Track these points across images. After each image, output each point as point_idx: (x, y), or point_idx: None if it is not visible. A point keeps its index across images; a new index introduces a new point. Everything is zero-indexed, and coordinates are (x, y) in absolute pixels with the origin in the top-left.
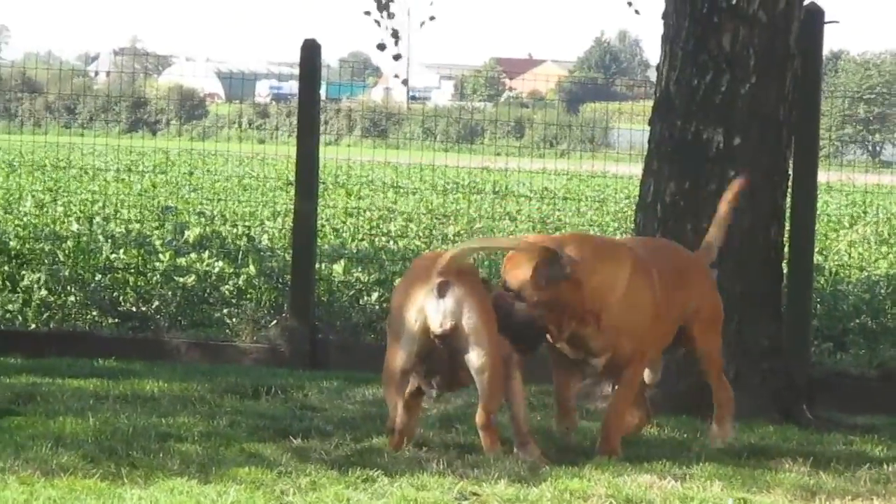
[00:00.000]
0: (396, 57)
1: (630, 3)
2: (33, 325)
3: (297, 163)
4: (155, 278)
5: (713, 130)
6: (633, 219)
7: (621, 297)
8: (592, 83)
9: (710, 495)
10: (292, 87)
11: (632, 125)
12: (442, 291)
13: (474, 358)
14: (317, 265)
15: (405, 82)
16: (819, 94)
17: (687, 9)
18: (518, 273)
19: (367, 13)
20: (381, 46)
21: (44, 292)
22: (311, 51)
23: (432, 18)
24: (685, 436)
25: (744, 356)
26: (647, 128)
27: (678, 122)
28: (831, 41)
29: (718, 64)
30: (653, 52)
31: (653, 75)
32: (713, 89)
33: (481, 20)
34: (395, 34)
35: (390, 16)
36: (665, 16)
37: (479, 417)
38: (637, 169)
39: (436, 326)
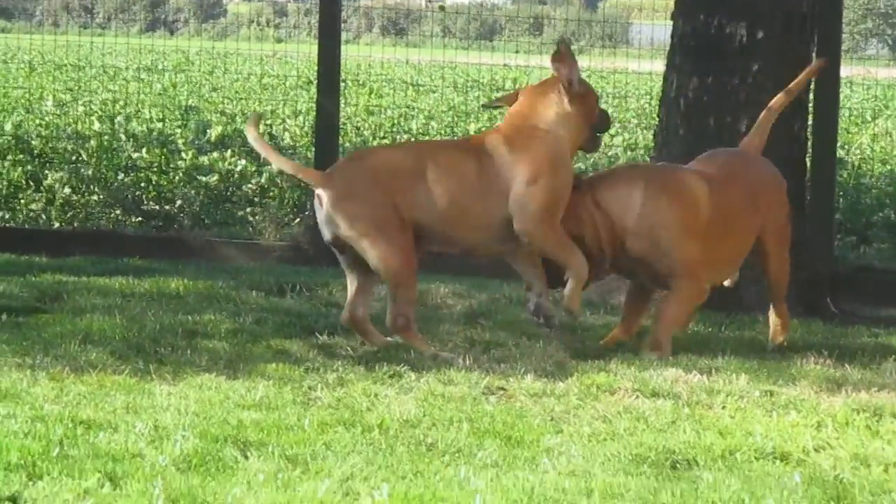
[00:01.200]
0: None
1: None
2: (57, 225)
3: (318, 60)
4: (178, 177)
5: (736, 24)
6: (654, 114)
7: (637, 219)
8: None
9: (735, 388)
10: None
11: (653, 21)
12: (319, 203)
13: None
14: None
15: (442, 7)
16: None
17: None
18: None
19: None
20: None
21: (67, 191)
22: None
23: None
24: (710, 330)
25: None
26: (668, 23)
27: (701, 16)
28: None
29: None
30: None
31: None
32: None
33: None
34: None
35: None
36: None
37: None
38: (657, 65)
39: (325, 239)
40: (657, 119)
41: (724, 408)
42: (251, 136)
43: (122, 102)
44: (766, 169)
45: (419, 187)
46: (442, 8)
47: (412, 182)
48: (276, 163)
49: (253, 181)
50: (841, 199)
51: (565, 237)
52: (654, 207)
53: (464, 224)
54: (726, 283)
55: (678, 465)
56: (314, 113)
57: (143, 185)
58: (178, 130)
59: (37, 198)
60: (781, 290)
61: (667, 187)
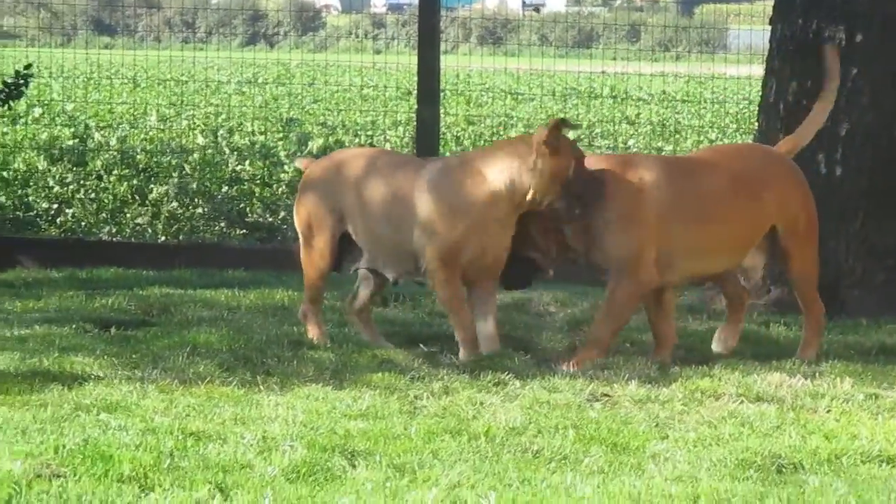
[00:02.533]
0: None
1: None
2: (163, 238)
3: (418, 71)
4: (280, 189)
5: (835, 28)
6: (753, 119)
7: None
8: None
9: (840, 392)
10: None
11: (751, 26)
12: None
13: None
14: None
15: (537, 9)
16: None
17: None
18: None
19: None
20: None
21: (172, 205)
22: None
23: None
24: None
25: (868, 254)
26: (764, 28)
27: (799, 20)
28: None
29: None
30: None
31: None
32: None
33: None
34: None
35: None
36: None
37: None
38: (754, 70)
39: None
40: (756, 124)
41: (828, 411)
42: None
43: (224, 116)
44: (783, 167)
45: (352, 194)
46: (537, 10)
47: (349, 188)
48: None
49: None
50: None
51: (456, 297)
52: None
53: (378, 244)
54: (743, 282)
55: (784, 470)
56: (414, 123)
57: (246, 197)
58: (280, 143)
59: (142, 212)
60: (807, 292)
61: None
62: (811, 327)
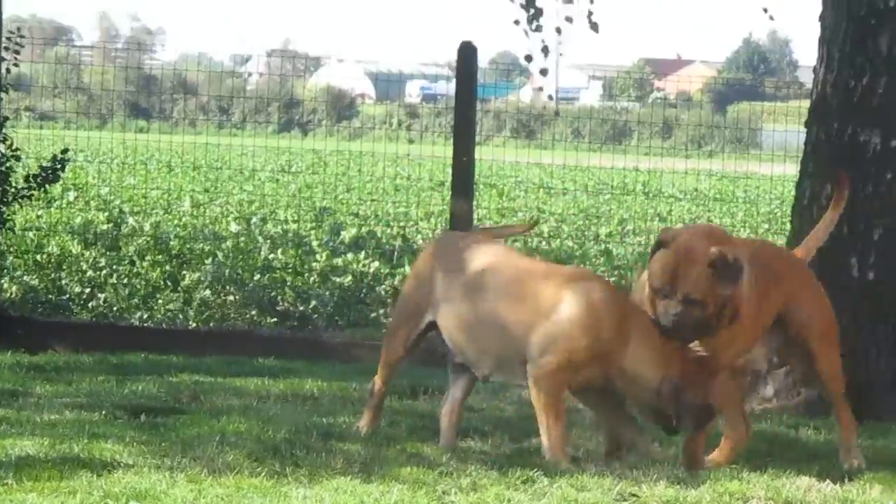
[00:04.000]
0: (543, 72)
1: (766, 10)
2: (194, 324)
3: (453, 163)
4: (312, 278)
5: (870, 132)
6: (784, 219)
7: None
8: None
9: (869, 498)
10: (443, 87)
11: (786, 126)
12: None
13: None
14: None
15: (550, 98)
16: None
17: (844, 10)
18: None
19: (517, 22)
20: (529, 58)
21: (205, 292)
22: (467, 53)
23: (569, 20)
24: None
25: None
26: (799, 129)
27: (835, 124)
28: None
29: (876, 66)
30: (803, 52)
31: (802, 75)
32: (870, 91)
33: (631, 20)
34: (545, 49)
35: (538, 28)
36: (822, 17)
37: None
38: (787, 169)
39: None
40: (789, 225)
41: None
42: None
43: (257, 203)
44: (792, 266)
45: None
46: (551, 97)
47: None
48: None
49: (386, 282)
50: None
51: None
52: None
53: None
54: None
55: None
56: (447, 215)
57: (278, 285)
58: (313, 232)
59: (174, 297)
60: (836, 392)
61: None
62: (847, 424)
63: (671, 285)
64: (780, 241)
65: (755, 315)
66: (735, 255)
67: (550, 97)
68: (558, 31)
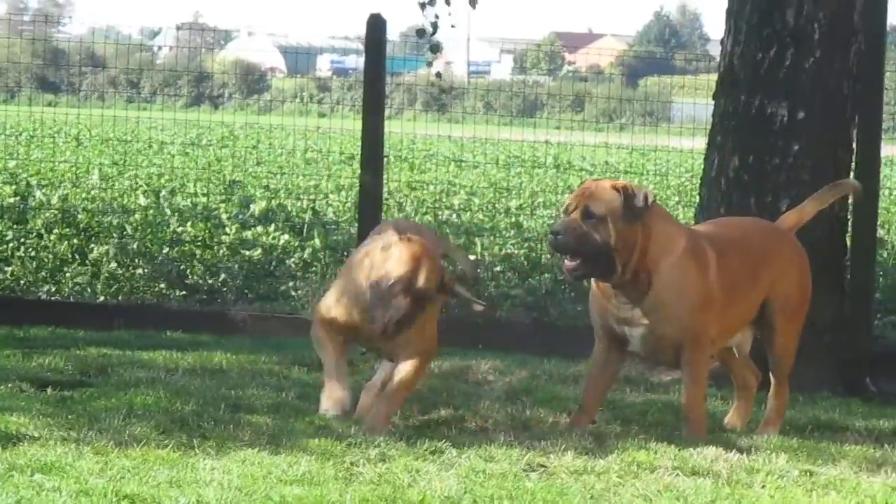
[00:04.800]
0: (434, 48)
1: None
2: (102, 298)
3: (362, 137)
4: (221, 251)
5: (777, 104)
6: (694, 193)
7: (671, 267)
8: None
9: (775, 467)
10: (353, 61)
11: (695, 99)
12: None
13: None
14: None
15: (438, 75)
16: (883, 69)
17: None
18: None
19: None
20: (421, 33)
21: (112, 265)
22: (376, 25)
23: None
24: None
25: (807, 329)
26: (708, 101)
27: (742, 96)
28: (895, 15)
29: (783, 38)
30: (713, 26)
31: (712, 49)
32: (777, 64)
33: None
34: (434, 26)
35: (431, 2)
36: None
37: None
38: (697, 143)
39: None
40: (698, 197)
41: (763, 487)
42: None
43: (167, 176)
44: (785, 244)
45: None
46: (438, 75)
47: None
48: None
49: (296, 255)
50: (881, 279)
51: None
52: None
53: None
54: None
55: None
56: (357, 188)
57: (187, 258)
58: (223, 205)
59: (82, 271)
60: (784, 370)
61: None
62: (780, 404)
63: (577, 202)
64: (689, 213)
65: (748, 293)
66: (647, 195)
67: (439, 74)
68: (447, 2)
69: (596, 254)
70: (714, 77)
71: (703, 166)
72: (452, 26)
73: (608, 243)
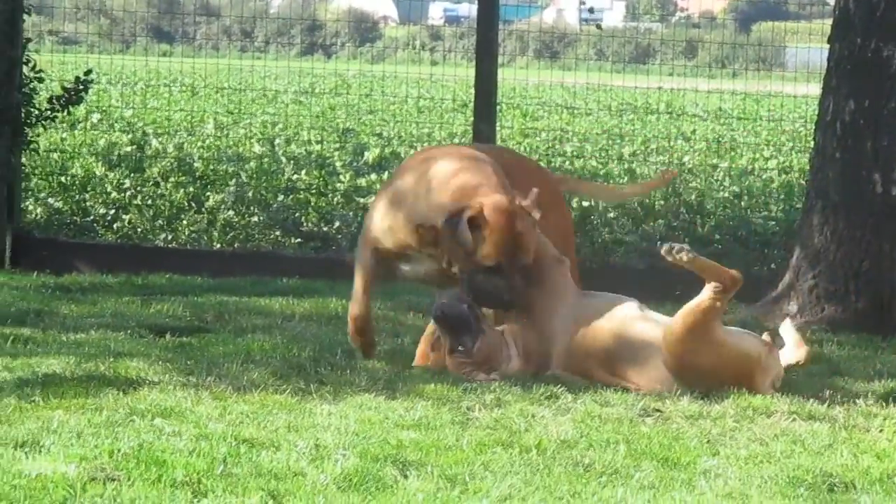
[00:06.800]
0: None
1: None
2: (218, 245)
3: (475, 85)
4: (336, 199)
5: (893, 47)
6: (809, 138)
7: None
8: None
9: (893, 411)
10: (466, 9)
11: (809, 44)
12: None
13: None
14: None
15: (591, 10)
16: None
17: None
18: None
19: None
20: None
21: (228, 213)
22: None
23: None
24: (866, 353)
25: None
26: (822, 47)
27: (857, 39)
28: None
29: None
30: None
31: None
32: (893, 6)
33: None
34: None
35: None
36: None
37: None
38: (811, 89)
39: None
40: (812, 143)
41: (881, 431)
42: None
43: (281, 125)
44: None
45: None
46: (599, 27)
47: None
48: None
49: None
50: None
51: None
52: None
53: None
54: None
55: (835, 489)
56: (470, 136)
57: (302, 206)
58: (336, 153)
59: (198, 219)
60: None
61: None
62: None
63: None
64: (804, 159)
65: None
66: None
67: (587, 19)
68: None
69: None
70: (828, 22)
71: (817, 112)
72: None
73: None
